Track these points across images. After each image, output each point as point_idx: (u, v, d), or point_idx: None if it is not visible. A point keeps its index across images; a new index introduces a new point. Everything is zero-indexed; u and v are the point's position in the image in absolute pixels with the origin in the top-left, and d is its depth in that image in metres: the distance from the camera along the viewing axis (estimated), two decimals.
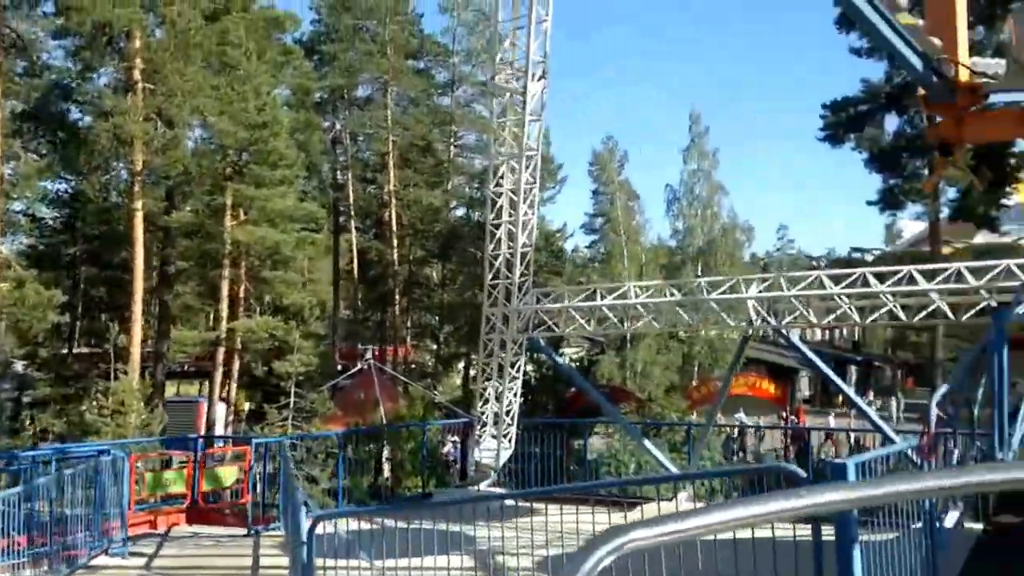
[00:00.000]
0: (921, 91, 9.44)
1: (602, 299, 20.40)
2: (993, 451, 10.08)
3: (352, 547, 12.13)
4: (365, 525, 12.77)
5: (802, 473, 9.91)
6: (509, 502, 13.01)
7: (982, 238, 31.80)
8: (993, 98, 9.07)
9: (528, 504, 12.27)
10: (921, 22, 9.11)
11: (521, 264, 20.34)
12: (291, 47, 43.79)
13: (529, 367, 22.82)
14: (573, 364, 43.31)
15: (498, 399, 21.70)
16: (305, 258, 43.57)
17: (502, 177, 20.07)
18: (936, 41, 8.89)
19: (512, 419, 21.73)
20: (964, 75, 8.85)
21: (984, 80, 9.01)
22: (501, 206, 20.21)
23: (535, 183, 19.88)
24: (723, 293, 18.19)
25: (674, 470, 19.93)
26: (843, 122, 31.92)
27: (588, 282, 44.35)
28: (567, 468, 24.31)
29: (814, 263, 56.26)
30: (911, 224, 48.48)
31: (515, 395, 21.85)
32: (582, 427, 25.45)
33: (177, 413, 35.47)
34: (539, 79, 18.59)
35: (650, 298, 19.97)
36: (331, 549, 11.37)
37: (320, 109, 48.35)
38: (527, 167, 19.21)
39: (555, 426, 24.78)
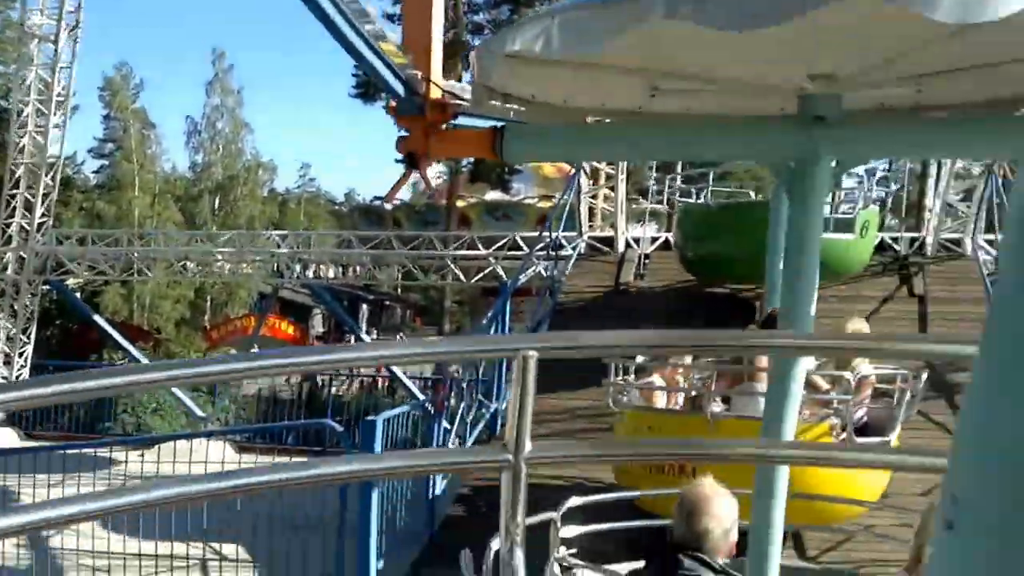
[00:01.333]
0: (392, 103, 10.23)
1: (130, 244, 20.45)
2: (490, 399, 12.21)
3: None
4: None
5: (338, 428, 11.34)
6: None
7: (494, 195, 35.24)
8: (461, 120, 10.22)
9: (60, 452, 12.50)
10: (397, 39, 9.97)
11: (42, 205, 19.93)
12: None
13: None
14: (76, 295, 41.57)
15: (10, 339, 21.13)
16: None
17: (27, 119, 19.53)
18: (409, 56, 9.72)
19: (26, 361, 21.30)
20: (435, 92, 9.77)
21: (453, 101, 10.03)
22: (23, 146, 19.67)
23: (63, 127, 19.56)
24: (258, 246, 19.18)
25: (198, 411, 20.77)
26: (374, 82, 33.11)
27: (95, 209, 42.54)
28: (77, 406, 23.99)
29: (336, 205, 58.11)
30: (434, 179, 51.30)
31: (29, 337, 21.39)
32: (99, 366, 25.02)
33: None
34: (72, 29, 18.32)
35: (181, 245, 20.39)
36: None
37: None
38: (56, 112, 18.92)
39: (68, 366, 24.24)
